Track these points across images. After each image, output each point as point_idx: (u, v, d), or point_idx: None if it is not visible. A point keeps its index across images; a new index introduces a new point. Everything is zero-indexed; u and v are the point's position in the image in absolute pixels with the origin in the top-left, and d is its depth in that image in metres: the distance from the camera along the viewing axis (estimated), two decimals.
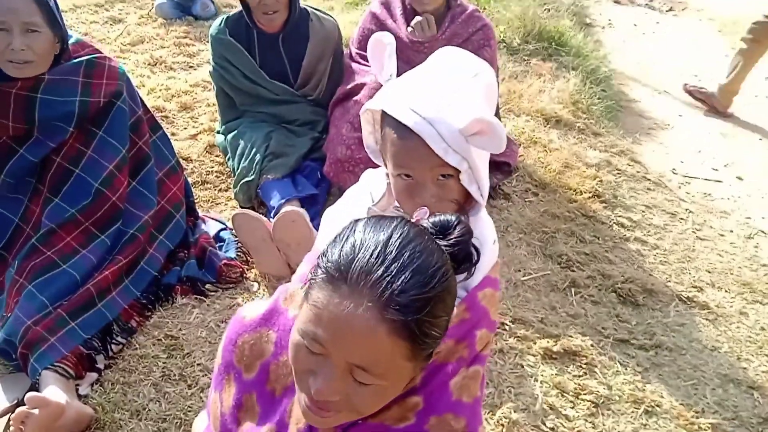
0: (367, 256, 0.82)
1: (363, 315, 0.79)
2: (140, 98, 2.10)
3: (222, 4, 4.58)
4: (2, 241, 1.95)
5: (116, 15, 4.40)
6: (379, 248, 0.82)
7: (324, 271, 0.84)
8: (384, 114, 1.14)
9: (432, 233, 0.90)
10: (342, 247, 0.85)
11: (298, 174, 2.42)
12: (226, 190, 2.55)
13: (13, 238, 1.95)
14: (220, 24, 2.55)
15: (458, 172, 1.11)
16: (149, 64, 3.64)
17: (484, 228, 1.23)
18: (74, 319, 1.72)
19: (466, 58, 1.22)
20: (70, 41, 1.94)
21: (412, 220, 0.92)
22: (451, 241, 0.89)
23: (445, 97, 1.10)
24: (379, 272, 0.81)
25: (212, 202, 2.48)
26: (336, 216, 1.40)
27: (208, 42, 3.97)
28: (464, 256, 0.91)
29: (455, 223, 0.92)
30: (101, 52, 2.02)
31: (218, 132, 2.74)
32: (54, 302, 1.74)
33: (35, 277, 1.78)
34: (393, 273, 0.81)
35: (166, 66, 3.65)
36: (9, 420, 1.58)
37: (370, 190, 1.33)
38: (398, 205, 1.24)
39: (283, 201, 2.24)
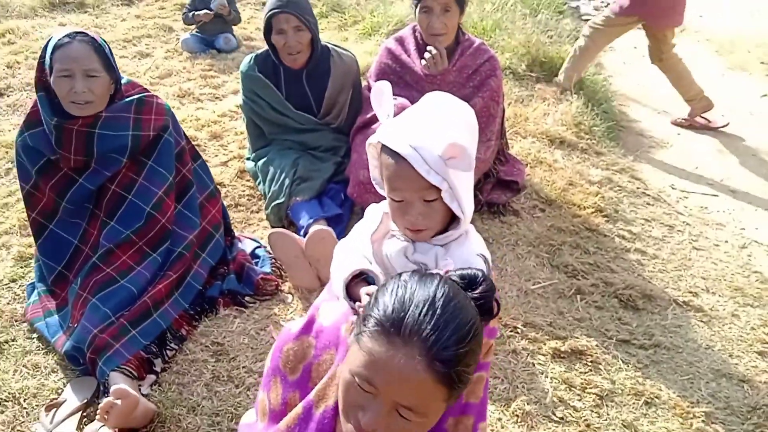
0: (417, 314, 0.97)
1: (414, 366, 0.94)
2: (182, 131, 2.34)
3: (243, 37, 4.87)
4: (64, 260, 2.19)
5: (144, 50, 4.69)
6: (426, 305, 0.97)
7: (377, 322, 0.99)
8: (382, 145, 1.35)
9: (461, 286, 1.06)
10: (393, 300, 1.00)
11: (323, 196, 2.65)
12: (257, 212, 2.78)
13: (72, 258, 2.19)
14: (249, 61, 2.80)
15: (440, 191, 1.31)
16: (178, 96, 3.91)
17: (471, 244, 1.40)
18: (134, 328, 1.94)
19: (450, 100, 1.44)
20: (123, 82, 2.20)
21: (442, 273, 1.07)
22: (476, 295, 1.06)
23: (429, 129, 1.31)
24: (428, 329, 0.95)
25: (245, 222, 2.71)
26: (346, 246, 1.59)
27: (231, 74, 4.29)
28: (487, 309, 1.07)
29: (481, 278, 1.08)
30: (149, 91, 2.27)
31: (248, 159, 2.98)
32: (116, 313, 1.96)
33: (98, 291, 2.01)
34: (440, 330, 0.95)
35: (194, 97, 3.92)
36: (81, 416, 1.80)
37: (372, 221, 1.54)
38: (393, 230, 1.45)
39: (311, 221, 2.46)
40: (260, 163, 2.80)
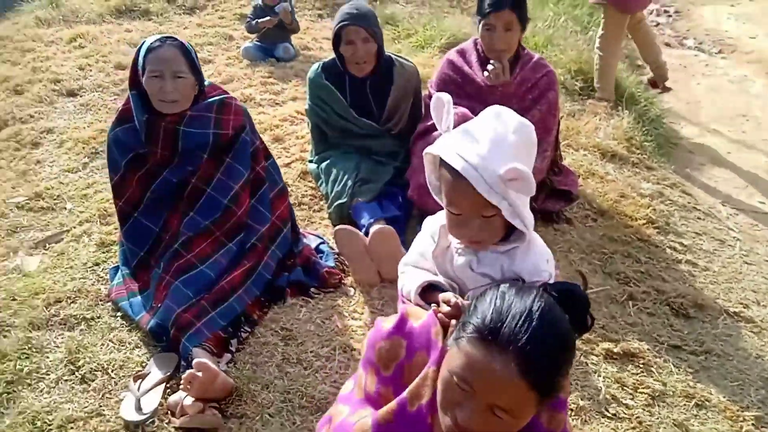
0: (513, 324, 1.04)
1: (509, 373, 1.03)
2: (257, 131, 2.50)
3: (300, 47, 5.06)
4: (146, 247, 2.36)
5: (206, 56, 4.92)
6: (523, 317, 1.05)
7: (475, 329, 1.08)
8: (441, 159, 1.40)
9: (557, 300, 1.13)
10: (491, 310, 1.08)
11: (383, 198, 2.77)
12: (318, 211, 2.93)
13: (154, 244, 2.35)
14: (317, 69, 2.96)
15: (500, 210, 1.36)
16: (240, 101, 4.09)
17: (537, 249, 1.48)
18: (213, 309, 2.09)
19: (512, 117, 1.45)
20: (205, 84, 2.37)
21: (539, 287, 1.15)
22: (571, 308, 1.13)
23: (490, 148, 1.35)
24: (524, 339, 1.03)
25: (308, 220, 2.86)
26: (409, 261, 1.68)
27: (290, 82, 4.47)
28: (581, 322, 1.15)
29: (578, 294, 1.16)
30: (229, 94, 2.44)
31: (310, 161, 3.14)
32: (196, 295, 2.12)
33: (180, 275, 2.17)
34: (535, 341, 1.03)
35: (255, 102, 4.10)
36: (165, 387, 1.95)
37: (431, 235, 1.63)
38: (454, 244, 1.52)
39: (371, 220, 2.58)
40: (323, 165, 2.95)
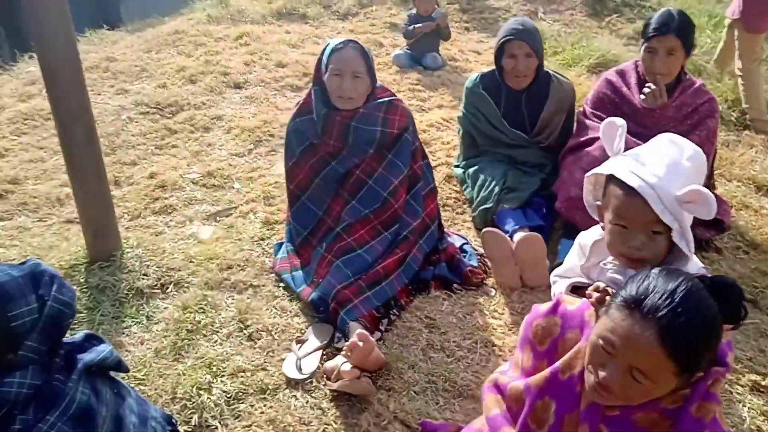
0: (657, 298, 1.17)
1: (648, 338, 1.15)
2: (417, 133, 2.68)
3: (448, 57, 5.24)
4: (309, 228, 2.60)
5: None
6: (667, 294, 1.16)
7: (623, 299, 1.21)
8: (610, 177, 1.49)
9: (709, 288, 1.21)
10: (639, 285, 1.20)
11: (528, 207, 2.86)
12: (461, 213, 3.07)
13: (317, 226, 2.59)
14: (475, 79, 3.10)
15: (668, 229, 1.43)
16: None
17: (694, 270, 1.53)
18: (369, 290, 2.28)
19: (683, 143, 1.55)
20: (377, 85, 2.57)
21: (695, 278, 1.23)
22: (724, 299, 1.21)
23: (665, 170, 1.44)
24: (664, 312, 1.15)
25: (451, 222, 3.00)
26: (560, 271, 1.78)
27: (437, 90, 4.65)
28: (734, 312, 1.23)
29: (730, 284, 1.23)
30: (396, 96, 2.64)
31: (456, 165, 3.29)
32: (355, 275, 2.32)
33: (340, 255, 2.38)
34: (674, 316, 1.14)
35: None
36: (322, 353, 2.16)
37: (582, 249, 1.71)
38: (605, 261, 1.58)
39: (516, 227, 2.68)
40: (470, 170, 3.08)
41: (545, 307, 1.49)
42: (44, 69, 2.22)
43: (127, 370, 1.56)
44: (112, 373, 1.52)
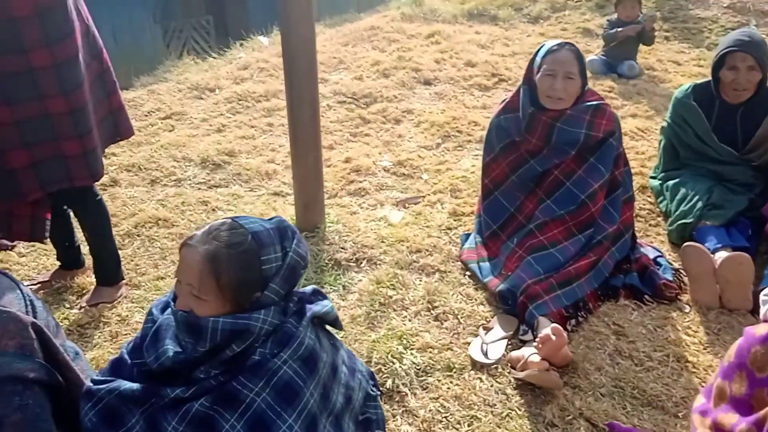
0: None
1: None
2: (622, 139, 2.64)
3: (645, 67, 5.04)
4: (499, 222, 2.67)
5: None
6: None
7: None
8: None
9: None
10: None
11: (732, 226, 2.70)
12: (654, 226, 2.98)
13: (507, 221, 2.66)
14: (686, 89, 2.98)
15: None
16: None
17: None
18: (560, 289, 2.31)
19: None
20: (586, 89, 2.57)
21: None
22: None
23: None
24: None
25: (643, 233, 2.92)
26: None
27: (631, 99, 4.50)
28: None
29: None
30: (604, 100, 2.62)
31: (653, 177, 3.18)
32: (545, 272, 2.35)
33: (532, 252, 2.43)
34: None
35: None
36: (507, 342, 2.23)
37: None
38: None
39: (719, 246, 2.55)
40: (669, 183, 2.97)
41: (763, 330, 1.42)
42: (285, 54, 2.50)
43: (341, 328, 1.73)
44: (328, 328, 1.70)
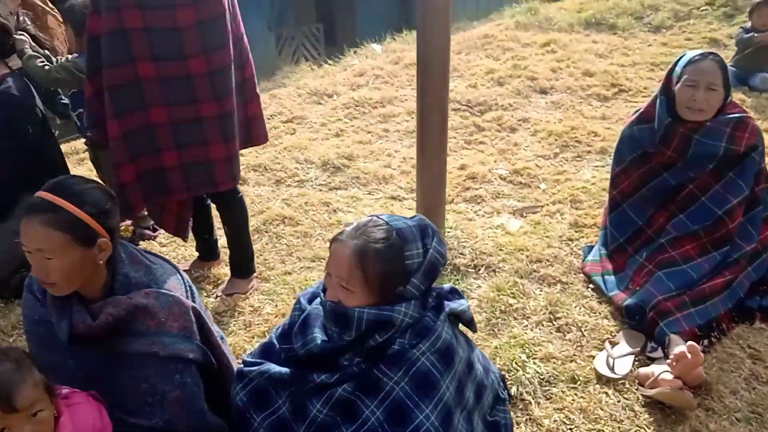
0: None
1: None
2: (764, 154, 2.51)
3: None
4: (626, 235, 2.61)
5: None
6: None
7: None
8: None
9: None
10: None
11: None
12: None
13: (634, 235, 2.59)
14: None
15: None
16: None
17: None
18: (693, 306, 2.23)
19: None
20: (728, 100, 2.46)
21: None
22: None
23: None
24: None
25: None
26: None
27: (764, 113, 4.24)
28: None
29: None
30: (747, 113, 2.50)
31: None
32: (677, 289, 2.28)
33: (663, 267, 2.36)
34: None
35: None
36: (634, 359, 2.18)
37: None
38: None
39: None
40: None
41: None
42: (420, 62, 2.57)
43: (475, 330, 1.77)
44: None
